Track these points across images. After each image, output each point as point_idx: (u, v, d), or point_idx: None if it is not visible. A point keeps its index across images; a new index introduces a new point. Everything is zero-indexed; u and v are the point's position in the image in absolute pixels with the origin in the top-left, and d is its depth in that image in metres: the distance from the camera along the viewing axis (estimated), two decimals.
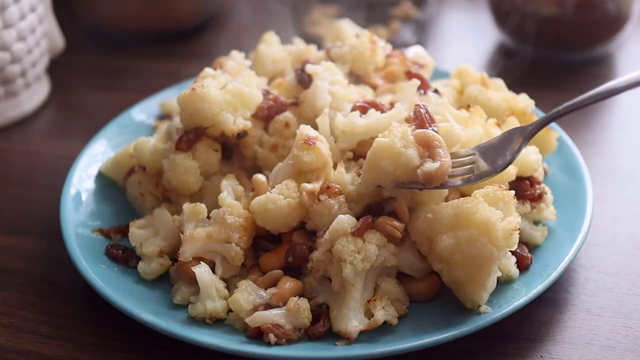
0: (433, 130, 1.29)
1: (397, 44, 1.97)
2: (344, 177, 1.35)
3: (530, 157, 1.41)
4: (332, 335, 1.25)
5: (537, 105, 1.60)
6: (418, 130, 1.29)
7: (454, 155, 1.32)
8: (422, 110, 1.32)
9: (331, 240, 1.27)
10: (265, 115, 1.48)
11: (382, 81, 1.62)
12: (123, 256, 1.41)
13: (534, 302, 1.30)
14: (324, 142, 1.38)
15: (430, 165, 1.25)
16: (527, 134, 1.34)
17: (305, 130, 1.38)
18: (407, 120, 1.40)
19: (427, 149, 1.27)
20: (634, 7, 1.99)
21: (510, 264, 1.31)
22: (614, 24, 1.98)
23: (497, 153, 1.33)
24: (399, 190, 1.31)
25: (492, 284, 1.25)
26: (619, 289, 1.39)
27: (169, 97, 1.78)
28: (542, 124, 1.36)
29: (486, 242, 1.21)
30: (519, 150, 1.32)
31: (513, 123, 1.47)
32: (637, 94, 1.93)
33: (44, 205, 1.61)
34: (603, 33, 1.99)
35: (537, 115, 1.56)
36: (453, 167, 1.29)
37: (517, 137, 1.34)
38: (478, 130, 1.40)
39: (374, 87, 1.61)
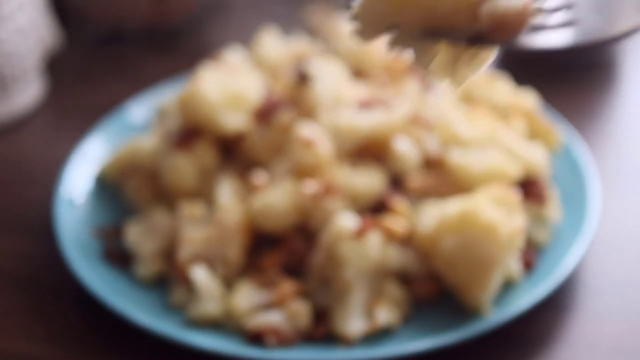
0: None
1: None
2: (345, 176, 1.33)
3: (535, 156, 1.39)
4: (333, 338, 1.23)
5: (541, 100, 1.58)
6: None
7: None
8: None
9: (332, 241, 1.25)
10: (265, 114, 1.47)
11: (384, 78, 1.60)
12: (119, 257, 1.39)
13: (538, 304, 1.28)
14: (324, 140, 1.36)
15: (505, 2, 0.66)
16: None
17: (305, 128, 1.36)
18: (411, 120, 1.38)
19: None
20: None
21: (513, 266, 1.29)
22: None
23: None
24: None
25: (495, 286, 1.24)
26: (627, 290, 1.36)
27: (167, 96, 1.76)
28: None
29: (490, 243, 1.20)
30: None
31: (519, 121, 1.45)
32: None
33: (39, 206, 1.60)
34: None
35: (545, 112, 1.54)
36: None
37: None
38: (482, 127, 1.38)
39: (376, 84, 1.59)
